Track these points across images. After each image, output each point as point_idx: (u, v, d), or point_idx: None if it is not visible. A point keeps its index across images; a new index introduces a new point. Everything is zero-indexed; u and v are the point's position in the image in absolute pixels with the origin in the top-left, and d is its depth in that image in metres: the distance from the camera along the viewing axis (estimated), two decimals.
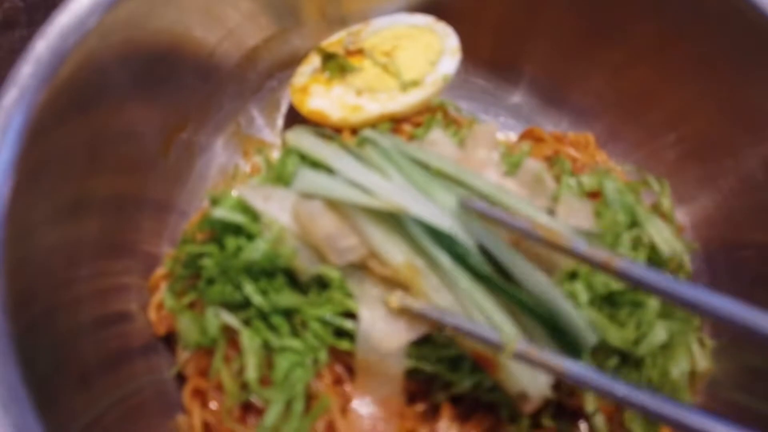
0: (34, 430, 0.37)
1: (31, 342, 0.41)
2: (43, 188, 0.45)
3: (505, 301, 0.42)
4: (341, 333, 0.45)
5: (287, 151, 0.52)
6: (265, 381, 0.44)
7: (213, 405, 0.47)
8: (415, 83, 0.60)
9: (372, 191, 0.44)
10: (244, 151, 0.67)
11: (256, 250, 0.44)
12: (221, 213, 0.46)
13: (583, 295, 0.44)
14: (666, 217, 0.56)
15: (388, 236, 0.44)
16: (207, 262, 0.46)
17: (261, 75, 0.67)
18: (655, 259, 0.50)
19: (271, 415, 0.42)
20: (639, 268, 0.35)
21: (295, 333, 0.45)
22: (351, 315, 0.45)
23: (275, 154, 0.65)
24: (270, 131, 0.69)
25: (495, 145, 0.51)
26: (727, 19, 0.56)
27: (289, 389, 0.43)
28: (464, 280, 0.42)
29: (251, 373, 0.43)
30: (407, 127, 0.60)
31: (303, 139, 0.49)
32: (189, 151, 0.62)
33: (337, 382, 0.46)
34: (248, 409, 0.46)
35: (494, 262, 0.43)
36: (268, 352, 0.45)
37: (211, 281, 0.46)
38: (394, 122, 0.60)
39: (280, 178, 0.50)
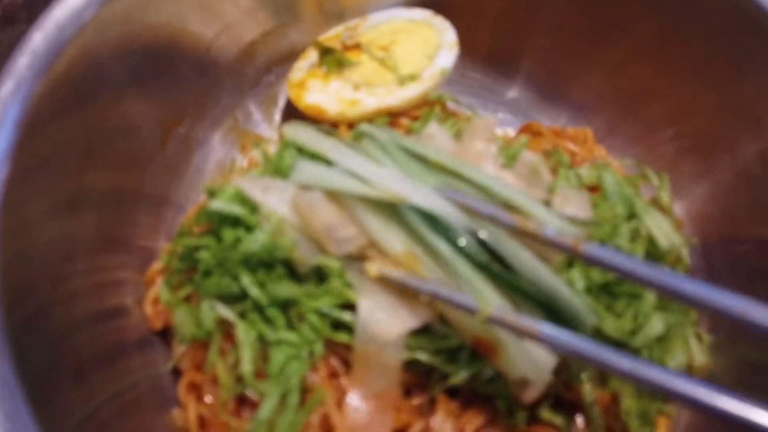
0: (28, 425, 0.37)
1: (26, 337, 0.41)
2: (39, 181, 0.45)
3: (505, 288, 0.42)
4: (338, 325, 0.45)
5: (285, 144, 0.52)
6: (260, 374, 0.44)
7: (208, 399, 0.47)
8: (412, 77, 0.60)
9: (370, 181, 0.44)
10: (241, 145, 0.67)
11: (255, 242, 0.44)
12: (219, 204, 0.46)
13: (580, 283, 0.44)
14: (665, 211, 0.56)
15: (387, 226, 0.44)
16: (204, 255, 0.46)
17: (258, 70, 0.67)
18: (653, 252, 0.50)
19: (266, 408, 0.42)
20: (606, 252, 0.36)
21: (290, 326, 0.45)
22: (349, 307, 0.45)
23: (272, 149, 0.65)
24: (267, 126, 0.69)
25: (492, 138, 0.51)
26: (726, 16, 0.56)
27: (285, 382, 0.43)
28: (464, 268, 0.42)
29: (246, 366, 0.43)
30: (405, 121, 0.60)
31: (300, 133, 0.49)
32: (186, 146, 0.62)
33: (333, 375, 0.46)
34: (243, 402, 0.46)
35: (492, 249, 0.42)
36: (264, 345, 0.45)
37: (207, 273, 0.46)
38: (392, 116, 0.60)
39: (277, 171, 0.50)
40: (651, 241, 0.51)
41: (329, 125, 0.61)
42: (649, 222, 0.48)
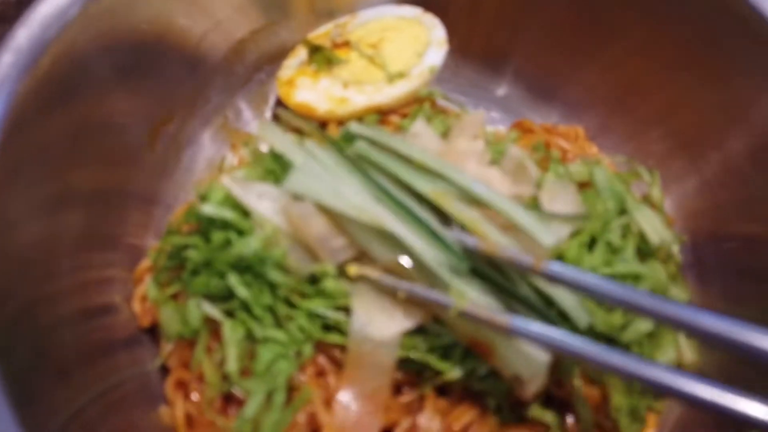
0: (10, 425, 0.37)
1: (10, 336, 0.40)
2: (24, 179, 0.45)
3: (498, 292, 0.42)
4: (329, 326, 0.45)
5: None
6: (247, 372, 0.44)
7: (195, 396, 0.47)
8: (401, 75, 0.60)
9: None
10: (231, 144, 0.67)
11: (247, 247, 0.43)
12: (210, 209, 0.45)
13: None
14: (656, 207, 0.56)
15: (375, 236, 0.43)
16: (192, 254, 0.46)
17: (249, 68, 0.67)
18: (643, 248, 0.50)
19: (251, 407, 0.41)
20: (567, 270, 0.38)
21: (278, 324, 0.45)
22: (341, 308, 0.45)
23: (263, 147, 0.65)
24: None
25: (480, 134, 0.51)
26: (717, 15, 0.56)
27: (271, 381, 0.42)
28: (449, 273, 0.42)
29: (231, 364, 0.42)
30: (394, 119, 0.60)
31: (270, 133, 0.48)
32: (176, 144, 0.62)
33: (320, 374, 0.45)
34: (230, 400, 0.46)
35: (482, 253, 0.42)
36: (252, 343, 0.44)
37: (195, 272, 0.46)
38: (381, 114, 0.60)
39: (270, 172, 0.50)
40: (642, 238, 0.50)
41: (318, 123, 0.61)
42: (640, 218, 0.48)
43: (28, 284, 0.44)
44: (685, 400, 0.34)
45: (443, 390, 0.47)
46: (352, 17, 0.65)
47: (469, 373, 0.44)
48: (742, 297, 0.55)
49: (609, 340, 0.45)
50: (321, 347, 0.46)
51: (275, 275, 0.43)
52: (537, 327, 0.38)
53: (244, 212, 0.46)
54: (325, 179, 0.44)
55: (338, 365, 0.46)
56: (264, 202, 0.45)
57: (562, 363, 0.46)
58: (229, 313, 0.45)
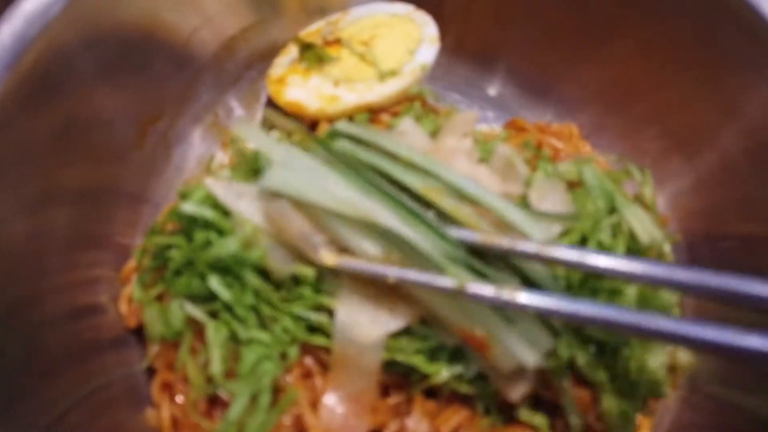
0: None
1: None
2: (7, 177, 0.44)
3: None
4: (314, 328, 0.45)
5: None
6: (232, 374, 0.43)
7: (181, 398, 0.47)
8: (392, 73, 0.59)
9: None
10: (222, 142, 0.66)
11: (225, 248, 0.43)
12: (190, 207, 0.45)
13: (561, 280, 0.43)
14: (648, 206, 0.55)
15: (360, 231, 0.43)
16: (174, 254, 0.45)
17: (239, 65, 0.66)
18: (634, 247, 0.49)
19: (236, 409, 0.41)
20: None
21: (263, 325, 0.44)
22: (325, 310, 0.44)
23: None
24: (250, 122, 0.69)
25: (469, 132, 0.50)
26: (714, 15, 0.55)
27: (256, 382, 0.42)
28: (449, 263, 0.41)
29: (216, 366, 0.42)
30: (385, 117, 0.59)
31: (248, 134, 0.47)
32: (165, 142, 0.62)
33: (307, 375, 0.45)
34: (215, 402, 0.45)
35: (472, 247, 0.42)
36: (237, 344, 0.44)
37: (177, 273, 0.45)
38: (372, 113, 0.59)
39: (255, 171, 0.49)
40: (632, 237, 0.50)
41: (309, 121, 0.60)
42: (630, 217, 0.48)
43: (14, 283, 0.44)
44: (691, 345, 0.34)
45: (432, 392, 0.46)
46: (344, 14, 0.65)
47: (457, 375, 0.44)
48: None
49: (599, 343, 0.44)
50: (307, 348, 0.45)
51: (252, 278, 0.43)
52: (543, 299, 0.38)
53: (225, 211, 0.45)
54: (307, 175, 0.43)
55: (325, 367, 0.45)
56: (244, 201, 0.44)
57: (551, 366, 0.45)
58: (213, 314, 0.44)
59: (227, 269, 0.43)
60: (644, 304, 0.46)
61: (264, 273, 0.45)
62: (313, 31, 0.65)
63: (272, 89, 0.62)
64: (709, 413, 0.52)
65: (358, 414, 0.44)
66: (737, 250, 0.56)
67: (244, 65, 0.66)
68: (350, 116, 0.59)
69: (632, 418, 0.45)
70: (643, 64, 0.62)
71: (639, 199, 0.55)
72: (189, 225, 0.45)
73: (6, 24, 0.44)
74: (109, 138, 0.54)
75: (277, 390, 0.43)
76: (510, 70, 0.71)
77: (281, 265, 0.44)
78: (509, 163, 0.47)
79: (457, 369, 0.44)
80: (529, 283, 0.42)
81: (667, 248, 0.52)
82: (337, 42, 0.62)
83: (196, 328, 0.45)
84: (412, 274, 0.40)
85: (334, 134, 0.48)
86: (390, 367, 0.44)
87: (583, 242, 0.46)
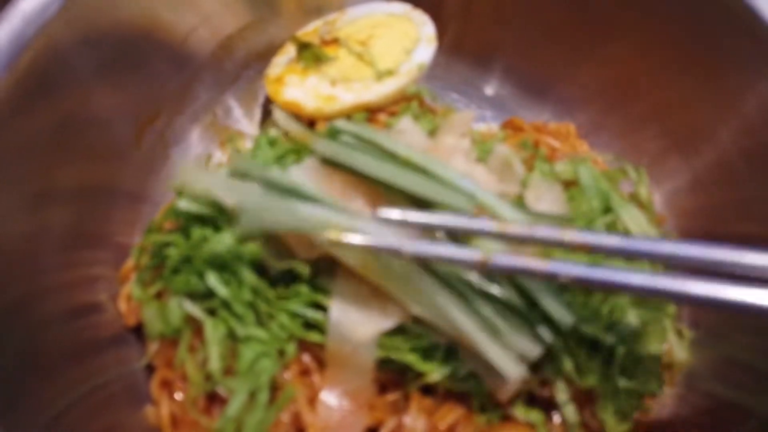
0: None
1: None
2: (6, 176, 0.44)
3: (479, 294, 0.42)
4: (311, 325, 0.45)
5: (258, 143, 0.51)
6: (231, 371, 0.44)
7: (180, 396, 0.47)
8: (390, 72, 0.59)
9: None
10: (220, 141, 0.66)
11: (220, 243, 0.43)
12: (186, 204, 0.45)
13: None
14: (644, 205, 0.55)
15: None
16: (172, 252, 0.46)
17: (238, 65, 0.67)
18: None
19: (234, 406, 0.41)
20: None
21: (260, 323, 0.44)
22: (321, 307, 0.45)
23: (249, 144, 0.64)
24: (248, 122, 0.69)
25: (467, 132, 0.51)
26: (713, 14, 0.56)
27: (254, 379, 0.42)
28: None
29: (214, 363, 0.42)
30: (383, 117, 0.59)
31: (193, 178, 0.46)
32: (163, 141, 0.62)
33: (305, 372, 0.45)
34: (214, 399, 0.45)
35: None
36: (235, 341, 0.44)
37: (175, 271, 0.45)
38: (370, 112, 0.60)
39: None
40: None
41: (307, 121, 0.60)
42: (625, 216, 0.48)
43: (13, 282, 0.44)
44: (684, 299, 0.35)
45: (428, 389, 0.47)
46: (341, 14, 0.65)
47: (451, 374, 0.44)
48: None
49: (593, 342, 0.45)
50: (305, 346, 0.45)
51: (248, 275, 0.43)
52: (574, 267, 0.36)
53: (221, 208, 0.45)
54: (274, 206, 0.42)
55: (323, 364, 0.45)
56: (239, 195, 0.44)
57: (547, 363, 0.45)
58: (211, 312, 0.44)
59: (224, 266, 0.43)
60: (639, 305, 0.46)
61: (260, 270, 0.45)
62: (310, 30, 0.65)
63: (270, 89, 0.62)
64: (705, 411, 0.52)
65: (356, 411, 0.45)
66: None
67: (242, 64, 0.67)
68: (348, 116, 0.59)
69: (628, 415, 0.46)
70: (642, 63, 0.63)
71: (635, 198, 0.56)
72: (187, 222, 0.46)
73: (4, 23, 0.45)
74: (107, 137, 0.55)
75: (275, 387, 0.44)
76: (508, 70, 0.72)
77: (276, 260, 0.44)
78: (506, 163, 0.47)
79: (451, 367, 0.44)
80: None
81: None
82: (335, 41, 0.62)
83: (195, 326, 0.45)
84: (431, 248, 0.38)
85: (333, 132, 0.49)
86: (385, 365, 0.45)
87: None
